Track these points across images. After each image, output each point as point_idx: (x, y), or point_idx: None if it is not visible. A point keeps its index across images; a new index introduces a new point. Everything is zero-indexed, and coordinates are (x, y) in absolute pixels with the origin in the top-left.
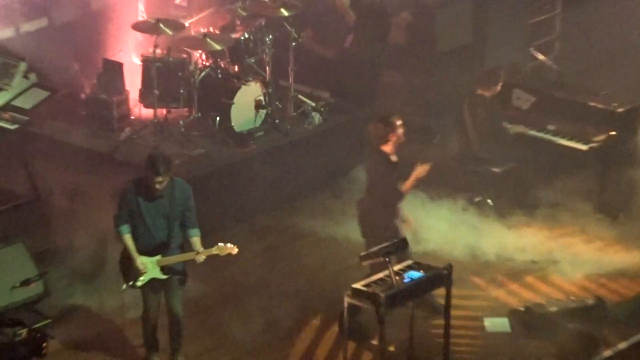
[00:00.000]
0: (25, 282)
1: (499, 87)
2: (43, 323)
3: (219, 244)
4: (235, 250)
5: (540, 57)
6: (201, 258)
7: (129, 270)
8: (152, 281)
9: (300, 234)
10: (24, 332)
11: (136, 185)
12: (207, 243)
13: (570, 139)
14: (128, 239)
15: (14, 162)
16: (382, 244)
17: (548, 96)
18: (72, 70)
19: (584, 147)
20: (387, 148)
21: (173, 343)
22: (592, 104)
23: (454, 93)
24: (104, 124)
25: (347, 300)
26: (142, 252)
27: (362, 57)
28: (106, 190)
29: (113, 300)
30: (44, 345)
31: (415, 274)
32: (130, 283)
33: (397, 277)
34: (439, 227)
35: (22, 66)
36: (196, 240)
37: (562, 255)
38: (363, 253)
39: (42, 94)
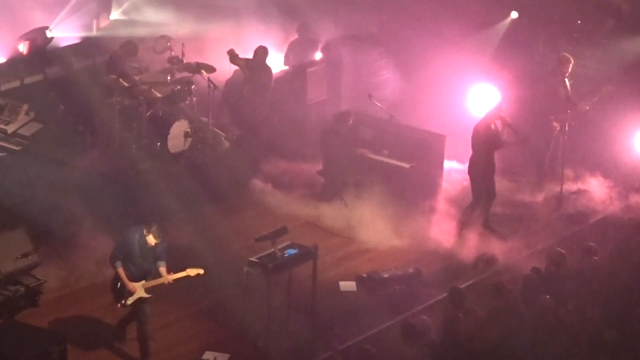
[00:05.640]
0: (25, 255)
1: (350, 123)
2: (36, 283)
3: (188, 269)
4: (202, 271)
5: (378, 104)
6: (171, 280)
7: (120, 293)
8: (140, 298)
9: (214, 223)
10: (23, 289)
11: (136, 235)
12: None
13: (398, 159)
14: (121, 271)
15: (18, 172)
16: None
17: (383, 131)
18: (59, 110)
19: (406, 166)
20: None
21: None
22: (412, 136)
23: (319, 127)
24: (80, 147)
25: (245, 269)
26: (131, 279)
27: (255, 104)
28: (72, 187)
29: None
30: (37, 298)
31: (293, 251)
32: (123, 302)
33: (280, 253)
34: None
35: (25, 107)
36: (164, 269)
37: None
38: (257, 236)
39: (38, 126)
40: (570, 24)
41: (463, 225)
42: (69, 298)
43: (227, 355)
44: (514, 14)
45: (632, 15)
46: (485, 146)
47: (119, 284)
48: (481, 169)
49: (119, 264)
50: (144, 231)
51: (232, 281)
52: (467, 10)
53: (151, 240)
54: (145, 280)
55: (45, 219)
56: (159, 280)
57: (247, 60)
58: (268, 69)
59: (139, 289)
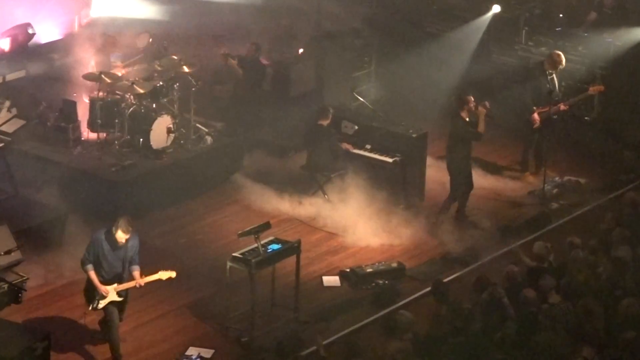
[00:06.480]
0: (7, 252)
1: (330, 118)
2: (20, 280)
3: (160, 271)
4: (174, 274)
5: (361, 99)
6: (142, 283)
7: (92, 296)
8: (111, 302)
9: (197, 219)
10: (6, 286)
11: (105, 235)
12: (139, 224)
13: (381, 154)
14: (92, 274)
15: (0, 169)
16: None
17: (366, 126)
18: (42, 106)
19: (389, 160)
20: (464, 114)
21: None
22: (395, 131)
23: (302, 122)
24: (63, 143)
25: (229, 264)
26: (103, 282)
27: (245, 99)
28: (54, 184)
29: (70, 262)
30: (20, 295)
31: (276, 246)
32: (95, 305)
33: (264, 248)
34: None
35: (7, 103)
36: (137, 273)
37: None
38: (239, 232)
39: (21, 122)
40: (552, 17)
41: (442, 219)
42: (51, 295)
43: (211, 351)
44: (496, 8)
45: (614, 9)
46: (459, 138)
47: (91, 287)
48: (457, 162)
49: (89, 267)
50: (113, 229)
51: (216, 277)
52: (449, 4)
53: (121, 236)
54: (118, 284)
55: (27, 215)
56: (131, 284)
57: (240, 58)
58: (261, 66)
59: (111, 292)
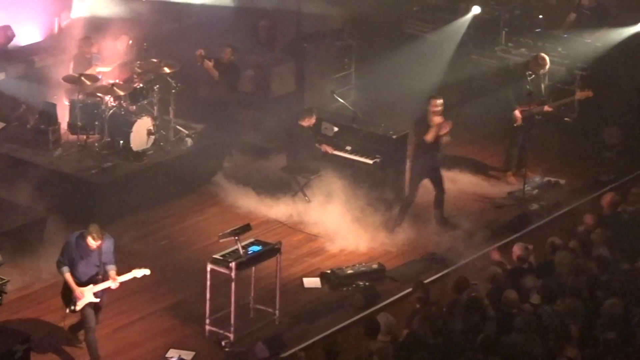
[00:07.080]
0: None
1: (313, 120)
2: (0, 282)
3: (134, 269)
4: (148, 272)
5: (341, 100)
6: (117, 284)
7: (70, 298)
8: (88, 303)
9: (177, 221)
10: None
11: (77, 239)
12: (119, 226)
13: (361, 156)
14: (68, 276)
15: None
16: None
17: (346, 127)
18: (22, 109)
19: (369, 162)
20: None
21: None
22: (375, 132)
23: (283, 124)
24: (43, 145)
25: (209, 266)
26: (79, 284)
27: (221, 101)
28: (34, 186)
29: (50, 264)
30: (0, 297)
31: (256, 248)
32: (72, 308)
33: (244, 250)
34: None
35: None
36: (112, 272)
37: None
38: (220, 233)
39: (0, 125)
40: (531, 18)
41: (400, 219)
42: (31, 298)
43: (192, 353)
44: (476, 9)
45: (593, 10)
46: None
47: (68, 289)
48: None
49: (65, 269)
50: (83, 234)
51: (196, 278)
52: (429, 5)
53: (92, 243)
54: (93, 285)
55: (6, 218)
56: (106, 284)
57: (215, 60)
58: (236, 68)
59: (87, 294)
